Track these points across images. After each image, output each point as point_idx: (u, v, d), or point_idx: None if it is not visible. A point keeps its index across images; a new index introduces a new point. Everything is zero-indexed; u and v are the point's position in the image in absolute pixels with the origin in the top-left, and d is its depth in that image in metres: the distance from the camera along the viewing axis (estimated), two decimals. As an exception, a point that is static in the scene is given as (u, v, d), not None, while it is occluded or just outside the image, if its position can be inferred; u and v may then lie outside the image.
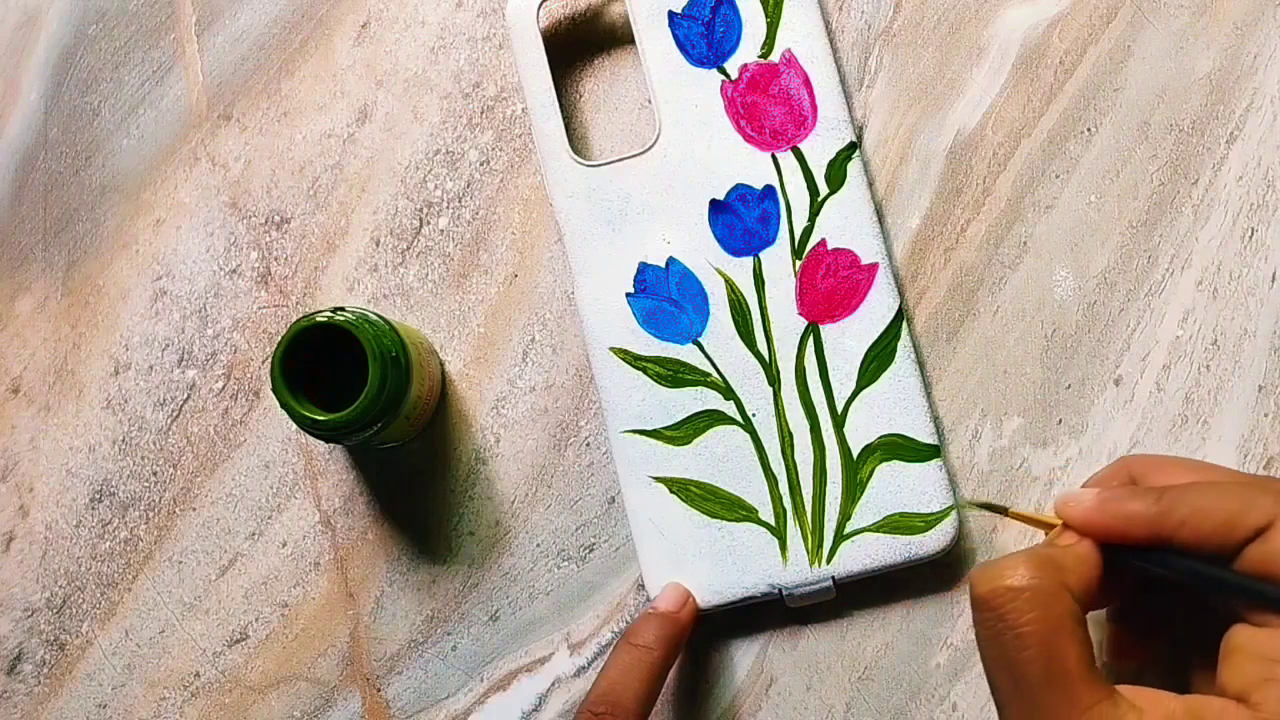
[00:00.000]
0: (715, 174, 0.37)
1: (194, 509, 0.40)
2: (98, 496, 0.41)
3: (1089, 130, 0.38)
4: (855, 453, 0.36)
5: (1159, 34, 0.38)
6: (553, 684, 0.38)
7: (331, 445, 0.40)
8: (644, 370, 0.37)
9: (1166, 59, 0.38)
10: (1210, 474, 0.29)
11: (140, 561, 0.40)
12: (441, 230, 0.40)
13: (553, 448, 0.39)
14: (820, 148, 0.37)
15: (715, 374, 0.37)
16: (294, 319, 0.36)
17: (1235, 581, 0.26)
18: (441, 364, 0.39)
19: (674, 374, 0.37)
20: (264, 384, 0.40)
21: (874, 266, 0.37)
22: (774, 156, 0.37)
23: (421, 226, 0.40)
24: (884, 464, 0.36)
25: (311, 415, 0.34)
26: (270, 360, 0.34)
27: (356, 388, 0.34)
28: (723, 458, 0.36)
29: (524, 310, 0.39)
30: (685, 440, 0.36)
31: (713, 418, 0.36)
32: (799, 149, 0.37)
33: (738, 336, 0.37)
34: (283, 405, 0.34)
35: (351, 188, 0.40)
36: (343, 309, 0.34)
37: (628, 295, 0.37)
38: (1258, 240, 0.37)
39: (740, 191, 0.37)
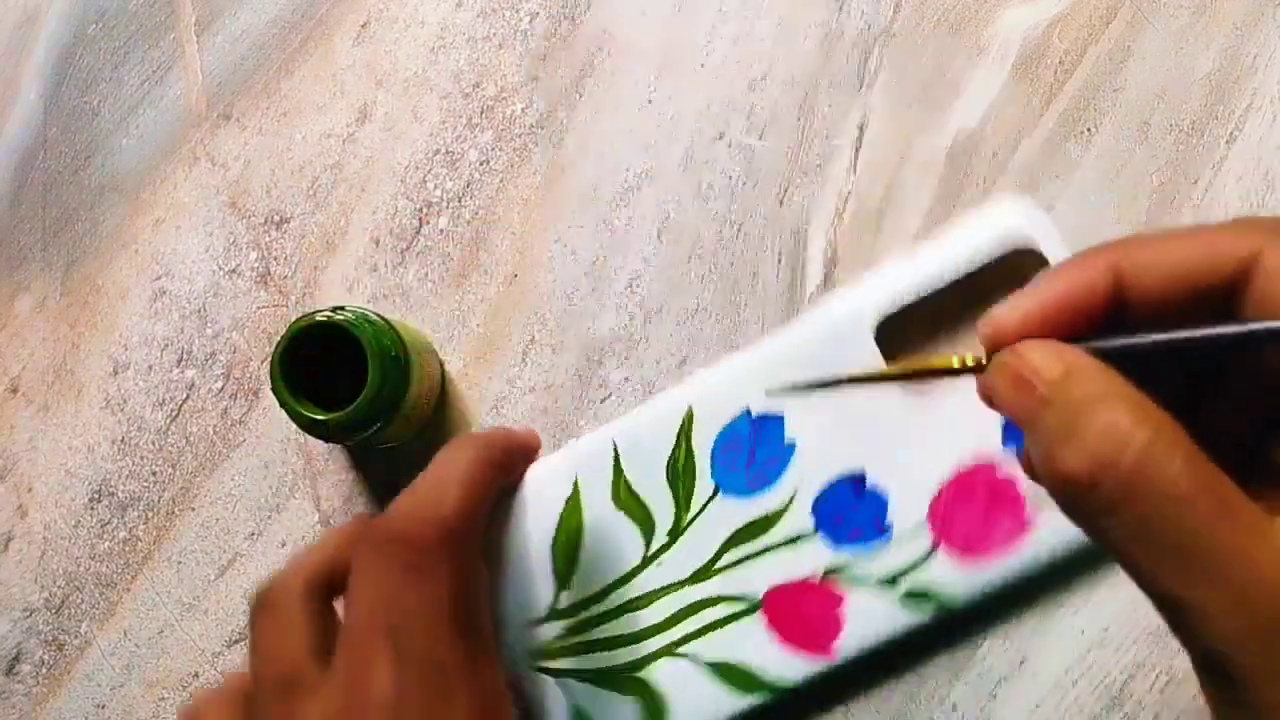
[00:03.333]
0: None
1: (193, 509, 0.40)
2: (96, 496, 0.40)
3: (1089, 130, 0.38)
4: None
5: (1159, 34, 0.38)
6: (552, 684, 0.38)
7: (331, 445, 0.39)
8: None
9: (1166, 59, 0.38)
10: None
11: (139, 562, 0.40)
12: (441, 230, 0.40)
13: (552, 448, 0.39)
14: None
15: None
16: (293, 319, 0.36)
17: (1235, 333, 0.19)
18: (441, 364, 0.39)
19: None
20: (263, 384, 0.40)
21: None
22: None
23: (421, 226, 0.40)
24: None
25: (311, 415, 0.34)
26: (270, 359, 0.34)
27: (356, 387, 0.33)
28: None
29: (524, 310, 0.39)
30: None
31: None
32: None
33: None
34: (282, 405, 0.34)
35: (351, 188, 0.40)
36: (343, 308, 0.34)
37: None
38: (1258, 240, 0.37)
39: None
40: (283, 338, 0.34)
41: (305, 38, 0.41)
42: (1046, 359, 0.19)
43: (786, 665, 0.35)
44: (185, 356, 0.41)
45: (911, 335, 0.37)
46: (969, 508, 0.35)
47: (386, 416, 0.34)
